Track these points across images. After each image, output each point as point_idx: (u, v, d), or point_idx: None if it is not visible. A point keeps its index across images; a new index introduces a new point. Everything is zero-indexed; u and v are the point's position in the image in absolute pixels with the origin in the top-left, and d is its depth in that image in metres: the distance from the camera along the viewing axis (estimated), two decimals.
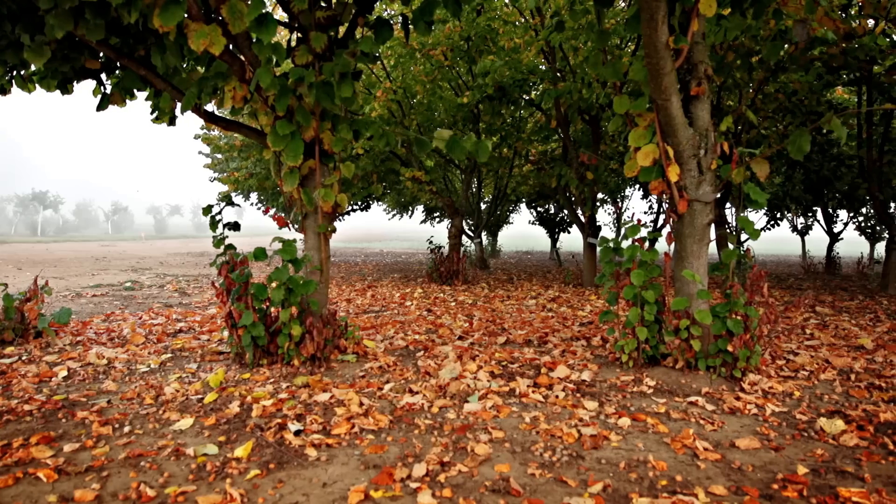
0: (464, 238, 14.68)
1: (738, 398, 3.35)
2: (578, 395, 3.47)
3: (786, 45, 8.23)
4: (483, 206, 16.46)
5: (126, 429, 2.88)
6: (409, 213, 22.78)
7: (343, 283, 11.27)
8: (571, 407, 3.23)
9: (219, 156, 15.15)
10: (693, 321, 3.73)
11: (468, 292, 9.26)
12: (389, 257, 23.16)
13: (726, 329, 3.63)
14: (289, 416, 3.02)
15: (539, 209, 19.75)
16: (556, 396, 3.42)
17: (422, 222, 23.69)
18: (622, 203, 20.21)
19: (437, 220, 23.47)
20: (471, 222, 15.72)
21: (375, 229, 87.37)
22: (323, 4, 4.05)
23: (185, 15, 3.17)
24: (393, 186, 15.54)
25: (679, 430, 2.88)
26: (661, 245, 23.14)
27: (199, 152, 15.92)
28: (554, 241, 20.27)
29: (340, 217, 18.75)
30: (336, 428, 2.85)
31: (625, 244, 4.00)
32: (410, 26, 3.76)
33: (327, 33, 3.86)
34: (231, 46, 3.90)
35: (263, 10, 3.08)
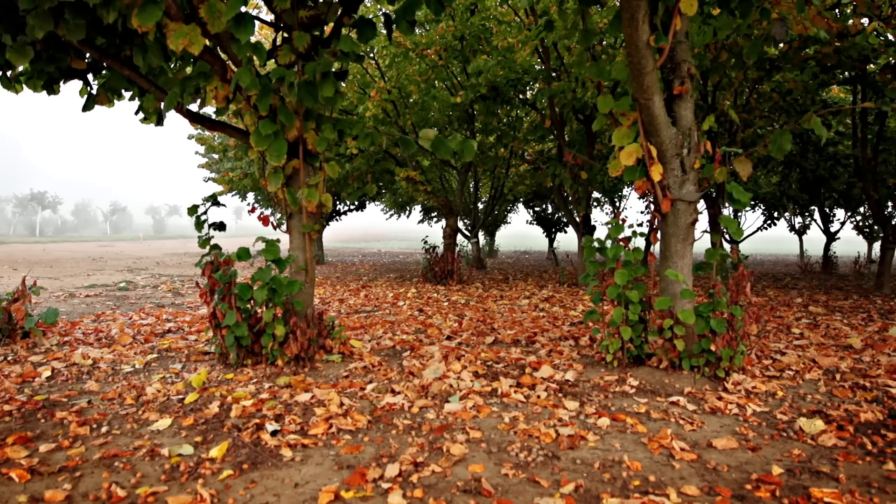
0: (461, 238, 14.68)
1: (720, 398, 3.34)
2: (560, 395, 3.46)
3: (780, 45, 8.22)
4: (481, 206, 16.44)
5: (104, 429, 2.87)
6: (407, 212, 22.77)
7: (338, 283, 11.27)
8: (552, 407, 3.22)
9: (215, 156, 15.14)
10: (677, 321, 3.72)
11: (462, 292, 9.25)
12: (387, 257, 23.18)
13: (710, 329, 3.62)
14: (268, 417, 3.01)
15: (536, 209, 19.75)
16: (538, 396, 3.41)
17: (419, 222, 23.67)
18: (620, 203, 20.21)
19: (435, 219, 23.45)
20: (468, 222, 15.70)
21: (374, 229, 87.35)
22: (311, 4, 4.05)
23: (165, 15, 3.16)
24: (388, 186, 15.52)
25: (658, 430, 2.87)
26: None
27: (196, 152, 15.91)
28: (551, 240, 20.25)
29: (336, 217, 18.72)
30: (313, 428, 2.84)
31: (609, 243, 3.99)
32: (393, 26, 3.75)
33: (311, 33, 3.85)
34: (218, 47, 3.90)
35: (241, 10, 3.07)
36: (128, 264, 16.75)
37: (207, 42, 3.99)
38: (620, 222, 3.97)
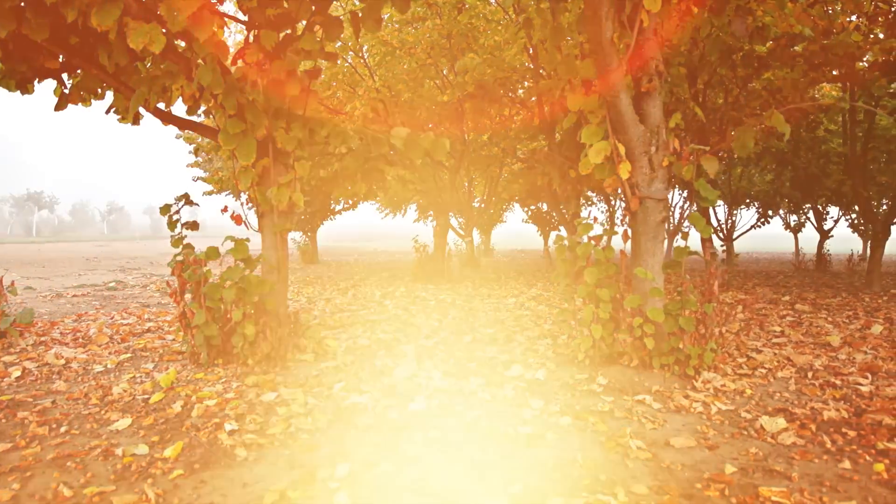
0: (455, 237, 14.66)
1: (686, 396, 3.33)
2: (528, 393, 3.45)
3: (770, 42, 8.20)
4: (475, 205, 16.41)
5: (63, 429, 2.86)
6: (403, 211, 22.71)
7: (328, 282, 11.26)
8: (517, 406, 3.21)
9: (207, 154, 15.11)
10: (647, 319, 3.71)
11: (451, 291, 9.24)
12: (383, 256, 23.17)
13: (679, 327, 3.61)
14: (229, 416, 3.00)
15: (532, 207, 19.70)
16: (505, 395, 3.39)
17: (415, 221, 23.62)
18: (615, 201, 20.17)
19: (432, 219, 23.40)
20: (462, 221, 15.68)
21: (372, 228, 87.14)
22: (286, 5, 4.03)
23: (126, 14, 3.14)
24: (380, 185, 15.49)
25: (619, 428, 2.86)
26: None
27: (189, 152, 15.88)
28: (546, 239, 20.22)
29: (330, 217, 18.61)
30: (272, 428, 2.83)
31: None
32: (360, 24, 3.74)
33: (280, 31, 3.84)
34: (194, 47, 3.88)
35: (197, 7, 3.05)
36: (121, 264, 16.74)
37: (181, 42, 3.99)
38: (592, 220, 3.96)
